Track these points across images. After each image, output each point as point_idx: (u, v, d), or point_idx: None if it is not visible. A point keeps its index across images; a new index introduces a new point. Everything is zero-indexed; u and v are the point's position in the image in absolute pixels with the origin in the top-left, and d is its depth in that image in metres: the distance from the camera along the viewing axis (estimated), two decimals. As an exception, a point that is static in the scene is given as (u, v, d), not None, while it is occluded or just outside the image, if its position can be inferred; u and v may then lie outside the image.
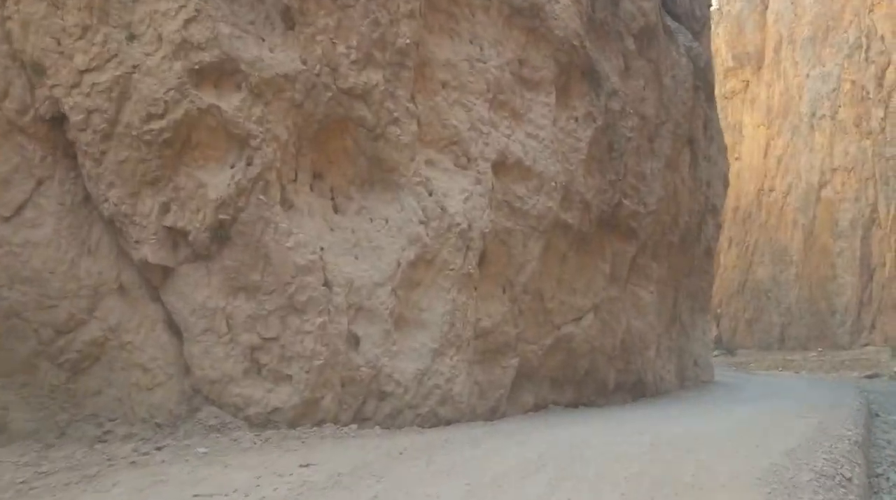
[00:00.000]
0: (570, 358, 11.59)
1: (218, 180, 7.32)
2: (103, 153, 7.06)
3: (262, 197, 7.40)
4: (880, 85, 34.47)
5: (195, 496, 4.37)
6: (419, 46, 8.86)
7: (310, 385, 7.41)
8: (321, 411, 7.52)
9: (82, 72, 6.99)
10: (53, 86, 7.01)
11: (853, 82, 35.40)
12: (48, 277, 6.90)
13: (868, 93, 34.76)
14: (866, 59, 35.12)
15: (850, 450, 6.56)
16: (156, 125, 7.04)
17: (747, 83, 42.50)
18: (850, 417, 9.55)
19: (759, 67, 41.89)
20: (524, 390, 10.63)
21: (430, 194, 8.78)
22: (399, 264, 8.31)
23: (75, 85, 7.00)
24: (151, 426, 7.09)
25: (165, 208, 7.25)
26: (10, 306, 6.68)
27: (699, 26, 17.74)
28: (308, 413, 7.43)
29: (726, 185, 20.50)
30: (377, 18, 8.19)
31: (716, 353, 30.02)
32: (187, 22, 7.09)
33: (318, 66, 7.82)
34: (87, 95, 6.98)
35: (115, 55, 7.00)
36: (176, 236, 7.34)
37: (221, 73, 7.35)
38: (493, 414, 9.55)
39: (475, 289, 9.21)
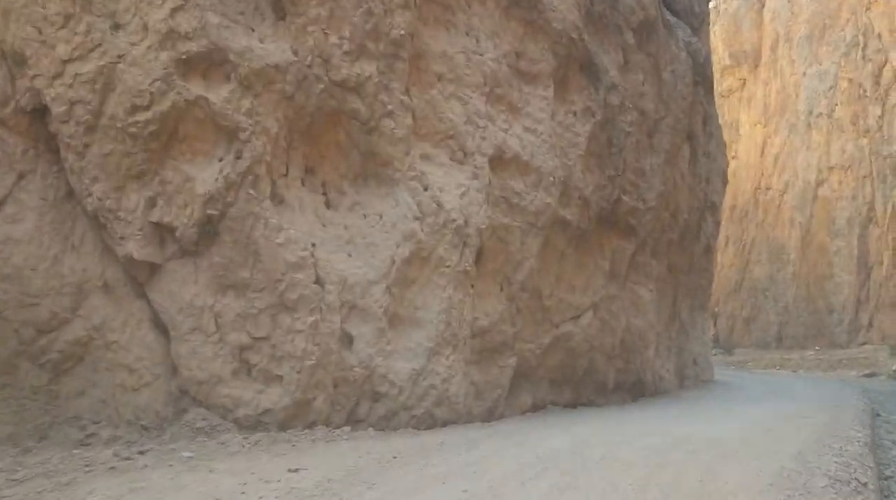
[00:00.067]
0: (569, 357, 11.39)
1: (206, 174, 7.12)
2: (87, 146, 6.88)
3: (251, 192, 7.20)
4: (877, 83, 34.36)
5: (175, 505, 4.13)
6: (414, 38, 8.64)
7: (301, 386, 7.19)
8: (313, 412, 7.30)
9: (65, 62, 6.82)
10: (35, 76, 6.83)
11: (850, 80, 35.30)
12: (30, 274, 6.69)
13: (865, 91, 34.64)
14: (863, 57, 35.00)
15: (861, 453, 6.35)
16: (141, 117, 6.86)
17: (744, 81, 42.36)
18: (856, 417, 9.35)
19: (756, 66, 41.75)
20: (522, 390, 10.42)
21: (426, 189, 8.56)
22: (393, 261, 8.10)
23: (57, 75, 6.82)
24: (137, 428, 6.88)
25: (151, 203, 7.06)
26: (-11, 305, 6.46)
27: (698, 22, 17.55)
28: (299, 415, 7.21)
29: (725, 182, 20.33)
30: (370, 9, 7.98)
31: (714, 352, 29.87)
32: (174, 11, 6.91)
33: (309, 58, 7.62)
34: (70, 85, 6.80)
35: (99, 45, 6.82)
36: (162, 232, 7.14)
37: (210, 63, 7.16)
38: (490, 415, 9.33)
39: (472, 287, 9.00)
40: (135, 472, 4.89)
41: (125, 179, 6.95)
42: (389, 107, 8.25)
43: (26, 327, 6.63)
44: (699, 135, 16.31)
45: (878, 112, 34.07)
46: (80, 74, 6.79)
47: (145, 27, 6.85)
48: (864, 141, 34.39)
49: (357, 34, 7.92)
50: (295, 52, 7.52)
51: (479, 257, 9.16)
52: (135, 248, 6.98)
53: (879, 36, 34.45)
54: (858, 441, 7.05)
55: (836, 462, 5.67)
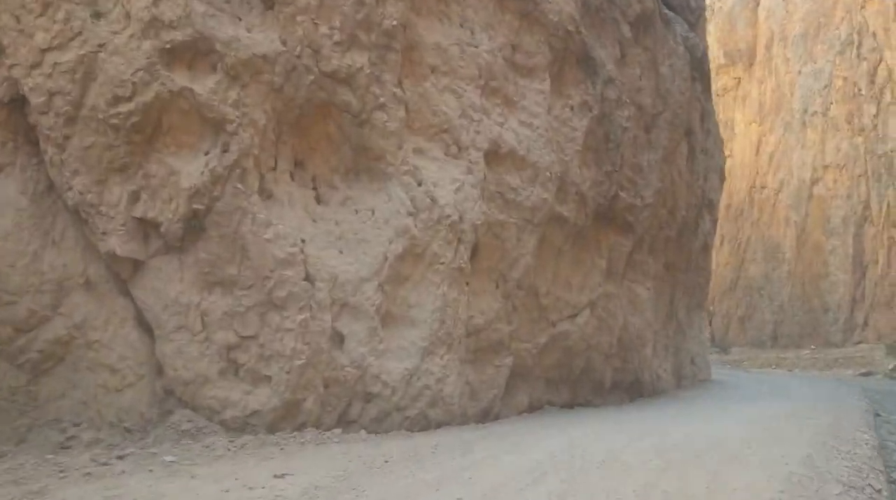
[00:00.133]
0: (566, 357, 11.18)
1: (191, 168, 6.90)
2: (67, 138, 6.65)
3: (238, 186, 6.98)
4: (872, 82, 34.31)
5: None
6: (407, 29, 8.41)
7: (290, 387, 6.95)
8: (302, 414, 7.06)
9: (43, 51, 6.61)
10: (12, 66, 6.62)
11: (845, 79, 35.23)
12: (8, 271, 6.47)
13: (860, 89, 34.58)
14: (858, 55, 34.94)
15: (871, 456, 6.13)
16: (124, 108, 6.63)
17: (739, 80, 42.25)
18: (861, 419, 9.13)
19: (751, 64, 41.65)
20: (518, 390, 10.20)
21: (419, 184, 8.34)
22: (386, 258, 7.87)
23: (36, 65, 6.61)
24: (120, 431, 6.64)
25: (135, 198, 6.83)
26: (-36, 303, 6.23)
27: (694, 17, 17.35)
28: (288, 417, 6.98)
29: (722, 179, 20.15)
30: (362, -2, 7.74)
31: (709, 351, 29.76)
32: (157, -2, 6.64)
33: (298, 48, 7.39)
34: (49, 75, 6.59)
35: (80, 33, 6.60)
36: (146, 228, 6.92)
37: (195, 53, 6.94)
38: (485, 416, 9.11)
39: (467, 284, 8.78)
40: (111, 478, 4.64)
41: (107, 173, 6.72)
42: (381, 99, 8.03)
43: (4, 325, 6.41)
44: (697, 131, 16.11)
45: (873, 111, 34.02)
46: (59, 64, 6.56)
47: (127, 15, 6.62)
48: (859, 140, 34.33)
49: (348, 24, 7.70)
50: (283, 43, 7.30)
51: (474, 253, 8.94)
52: (117, 243, 6.75)
53: (874, 34, 34.40)
54: (866, 444, 6.84)
55: (846, 467, 5.45)
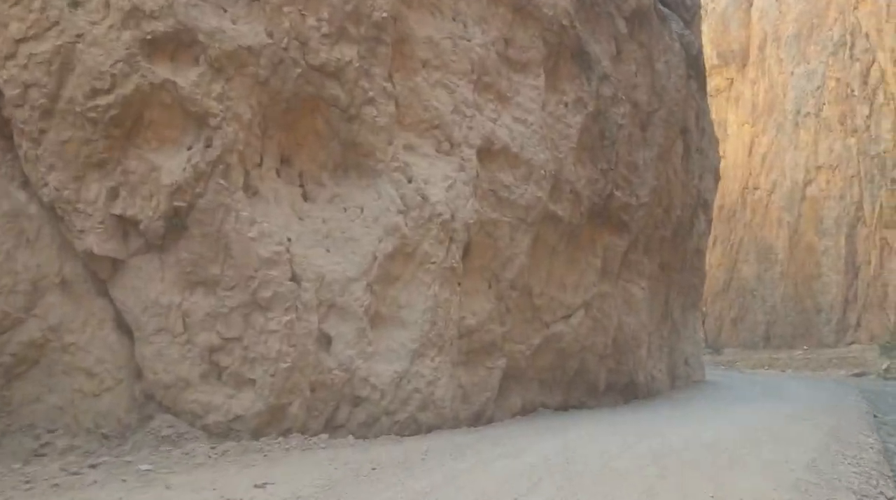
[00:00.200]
0: (560, 358, 10.96)
1: (173, 163, 6.68)
2: (43, 132, 6.42)
3: (222, 182, 6.75)
4: (865, 83, 34.27)
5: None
6: (397, 22, 8.19)
7: (275, 390, 6.72)
8: (288, 419, 6.82)
9: (18, 41, 6.37)
10: (-15, 57, 6.32)
11: (838, 80, 35.19)
12: (-21, 271, 6.18)
13: (853, 90, 34.53)
14: (851, 56, 34.90)
15: (878, 461, 5.92)
16: (102, 101, 6.40)
17: (732, 81, 42.21)
18: (863, 421, 8.93)
19: (744, 65, 41.61)
20: (511, 392, 9.97)
21: (410, 181, 8.11)
22: (375, 257, 7.65)
23: (10, 56, 6.37)
24: (97, 437, 6.38)
25: (114, 194, 6.60)
26: (-68, 304, 5.96)
27: (690, 15, 17.18)
28: (273, 422, 6.74)
29: (717, 179, 20.00)
30: (351, -11, 7.50)
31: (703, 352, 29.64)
32: (138, -13, 6.39)
33: (285, 40, 7.16)
34: (24, 66, 6.36)
35: (56, 23, 6.37)
36: (126, 225, 6.69)
37: (177, 44, 6.72)
38: (477, 419, 8.88)
39: (459, 284, 8.55)
40: (80, 490, 4.37)
41: (85, 168, 6.48)
42: (371, 94, 7.80)
43: (-25, 328, 6.15)
44: (692, 129, 15.94)
45: (866, 112, 33.98)
46: (35, 55, 6.31)
47: (107, 4, 6.40)
48: (852, 141, 34.29)
49: (336, 16, 7.48)
50: (270, 34, 7.07)
51: (466, 253, 8.72)
52: (95, 242, 6.50)
53: (867, 35, 34.37)
54: (872, 448, 6.64)
55: (854, 473, 5.23)
